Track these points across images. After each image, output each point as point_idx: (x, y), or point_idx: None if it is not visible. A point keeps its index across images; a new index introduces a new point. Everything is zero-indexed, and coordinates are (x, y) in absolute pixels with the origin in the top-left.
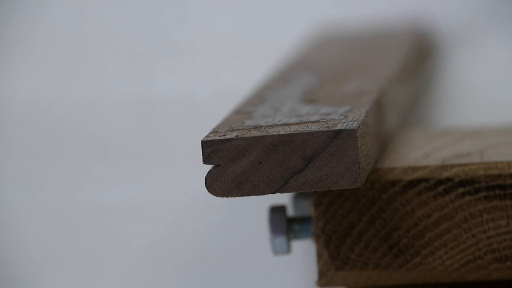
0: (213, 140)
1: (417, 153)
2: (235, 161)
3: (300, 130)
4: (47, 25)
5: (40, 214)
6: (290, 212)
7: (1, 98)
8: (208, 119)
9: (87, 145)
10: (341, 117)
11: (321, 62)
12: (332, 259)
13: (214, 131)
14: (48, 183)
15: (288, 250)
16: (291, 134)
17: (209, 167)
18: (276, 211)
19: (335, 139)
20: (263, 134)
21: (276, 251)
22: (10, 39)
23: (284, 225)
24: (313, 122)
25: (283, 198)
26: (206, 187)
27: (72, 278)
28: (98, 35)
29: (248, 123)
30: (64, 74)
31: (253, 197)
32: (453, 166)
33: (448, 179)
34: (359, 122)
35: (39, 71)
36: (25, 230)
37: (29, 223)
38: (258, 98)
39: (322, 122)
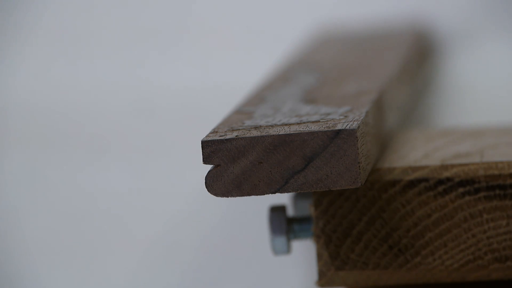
0: (213, 140)
1: (417, 153)
2: (235, 161)
3: (300, 130)
4: (47, 19)
5: (39, 210)
6: (290, 212)
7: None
8: (208, 117)
9: (86, 143)
10: (341, 117)
11: (321, 62)
12: (332, 259)
13: (214, 131)
14: (47, 179)
15: (288, 250)
16: (291, 134)
17: (209, 167)
18: (276, 211)
19: (335, 139)
20: (263, 134)
21: (276, 251)
22: (8, 33)
23: (284, 225)
24: (313, 122)
25: (283, 198)
26: (206, 187)
27: (72, 275)
28: (97, 29)
29: (248, 123)
30: (62, 71)
31: (253, 197)
32: (453, 166)
33: (448, 179)
34: (359, 122)
35: (37, 66)
36: (25, 226)
37: (29, 219)
38: (258, 98)
39: (322, 122)
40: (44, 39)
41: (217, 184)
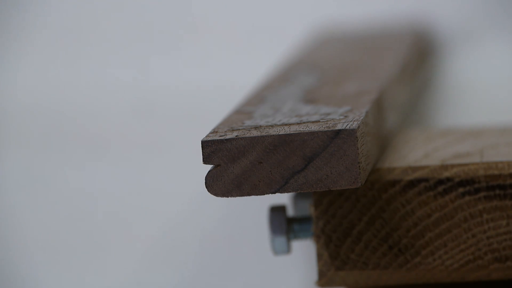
0: (213, 140)
1: (417, 153)
2: (235, 161)
3: (300, 130)
4: (46, 19)
5: (39, 210)
6: (290, 212)
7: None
8: (208, 117)
9: (86, 143)
10: (341, 117)
11: (321, 62)
12: (332, 259)
13: (214, 131)
14: (47, 179)
15: (288, 250)
16: (291, 134)
17: (209, 167)
18: (276, 211)
19: (335, 139)
20: (263, 134)
21: (276, 251)
22: (8, 33)
23: (284, 225)
24: (313, 122)
25: (283, 198)
26: (206, 187)
27: (72, 274)
28: (97, 29)
29: (248, 123)
30: (62, 70)
31: (253, 197)
32: (453, 166)
33: (448, 179)
34: (359, 122)
35: (37, 65)
36: (25, 226)
37: (29, 219)
38: (258, 98)
39: (322, 122)
40: (44, 39)
41: (217, 184)
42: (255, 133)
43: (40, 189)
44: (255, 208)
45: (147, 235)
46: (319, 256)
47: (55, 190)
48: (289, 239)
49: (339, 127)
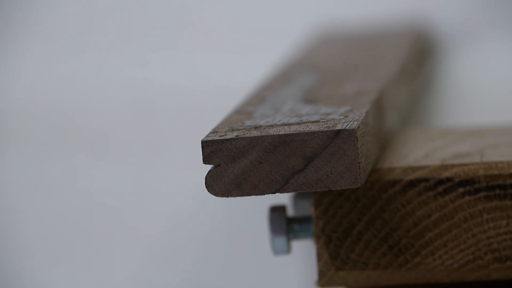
0: (213, 140)
1: (417, 153)
2: (235, 161)
3: (300, 130)
4: (46, 18)
5: (39, 210)
6: (290, 212)
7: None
8: (208, 117)
9: (86, 143)
10: (341, 117)
11: (321, 62)
12: (332, 259)
13: (214, 131)
14: (47, 179)
15: (288, 250)
16: (291, 134)
17: (209, 167)
18: (276, 211)
19: (335, 139)
20: (263, 134)
21: (276, 251)
22: (8, 32)
23: (284, 225)
24: (313, 122)
25: (283, 198)
26: (206, 187)
27: (73, 275)
28: (97, 28)
29: (248, 123)
30: (61, 70)
31: (253, 197)
32: (453, 166)
33: (448, 179)
34: (359, 122)
35: (37, 65)
36: (25, 225)
37: (29, 219)
38: (258, 98)
39: (322, 122)
40: (43, 38)
41: (217, 184)
42: (255, 133)
43: (40, 188)
44: (255, 208)
45: (147, 235)
46: (319, 256)
47: (55, 189)
48: (289, 239)
49: (339, 127)
